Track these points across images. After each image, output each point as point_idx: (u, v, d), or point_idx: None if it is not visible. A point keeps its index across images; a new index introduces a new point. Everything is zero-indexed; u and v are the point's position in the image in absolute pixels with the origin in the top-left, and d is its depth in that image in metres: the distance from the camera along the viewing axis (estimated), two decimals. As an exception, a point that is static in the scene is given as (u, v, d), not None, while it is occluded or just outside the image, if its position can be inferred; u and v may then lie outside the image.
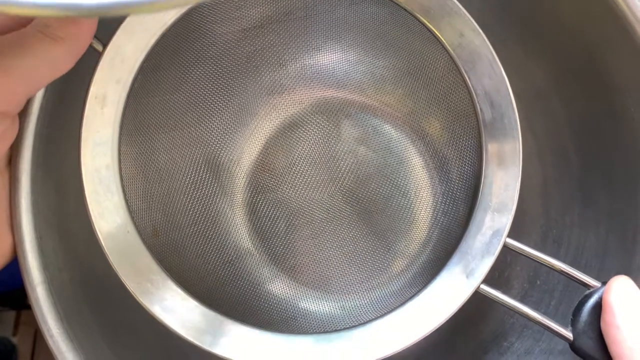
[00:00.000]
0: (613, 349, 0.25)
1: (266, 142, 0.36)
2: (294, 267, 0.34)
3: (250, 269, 0.34)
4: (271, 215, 0.35)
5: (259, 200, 0.35)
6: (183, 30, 0.29)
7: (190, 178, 0.33)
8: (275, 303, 0.33)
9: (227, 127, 0.35)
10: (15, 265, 0.27)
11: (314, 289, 0.34)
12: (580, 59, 0.32)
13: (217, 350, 0.25)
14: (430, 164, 0.35)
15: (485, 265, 0.27)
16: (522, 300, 0.26)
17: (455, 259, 0.27)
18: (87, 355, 0.27)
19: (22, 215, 0.27)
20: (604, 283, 0.26)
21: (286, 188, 0.35)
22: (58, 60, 0.23)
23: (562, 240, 0.35)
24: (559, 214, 0.36)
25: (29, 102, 0.27)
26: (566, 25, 0.32)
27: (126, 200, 0.27)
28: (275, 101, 0.36)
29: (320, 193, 0.35)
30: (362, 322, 0.27)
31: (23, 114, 0.27)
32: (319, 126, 0.36)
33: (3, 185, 0.27)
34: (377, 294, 0.33)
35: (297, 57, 0.35)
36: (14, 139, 0.26)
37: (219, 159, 0.35)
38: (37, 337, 0.63)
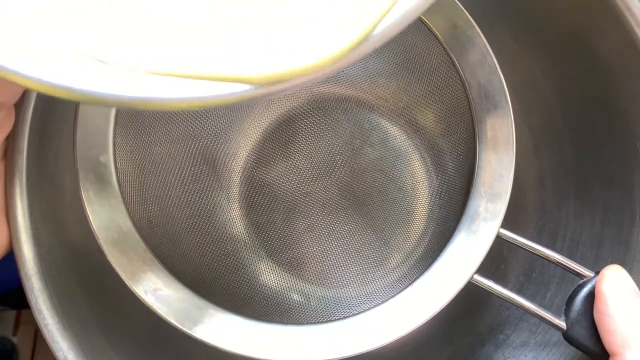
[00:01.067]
0: (606, 337, 0.24)
1: (263, 137, 0.36)
2: (290, 260, 0.35)
3: (246, 262, 0.34)
4: (267, 208, 0.35)
5: (255, 194, 0.35)
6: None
7: (186, 171, 0.33)
8: (271, 295, 0.33)
9: (223, 121, 0.35)
10: (15, 264, 0.27)
11: (310, 282, 0.34)
12: (573, 52, 0.32)
13: (211, 340, 0.26)
14: (425, 157, 0.35)
15: (479, 255, 0.27)
16: (517, 293, 0.26)
17: (449, 249, 0.27)
18: (82, 345, 0.27)
19: (18, 206, 0.27)
20: (597, 273, 0.26)
21: (282, 182, 0.35)
22: None
23: (558, 233, 0.35)
24: (554, 207, 0.36)
25: (25, 94, 0.27)
26: (559, 17, 0.32)
27: (121, 192, 0.27)
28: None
29: (316, 187, 0.35)
30: (357, 312, 0.27)
31: (19, 106, 0.27)
32: (314, 121, 0.36)
33: (-1, 177, 0.28)
34: (373, 287, 0.33)
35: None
36: (10, 129, 0.27)
37: (215, 153, 0.35)
38: (38, 336, 0.63)
